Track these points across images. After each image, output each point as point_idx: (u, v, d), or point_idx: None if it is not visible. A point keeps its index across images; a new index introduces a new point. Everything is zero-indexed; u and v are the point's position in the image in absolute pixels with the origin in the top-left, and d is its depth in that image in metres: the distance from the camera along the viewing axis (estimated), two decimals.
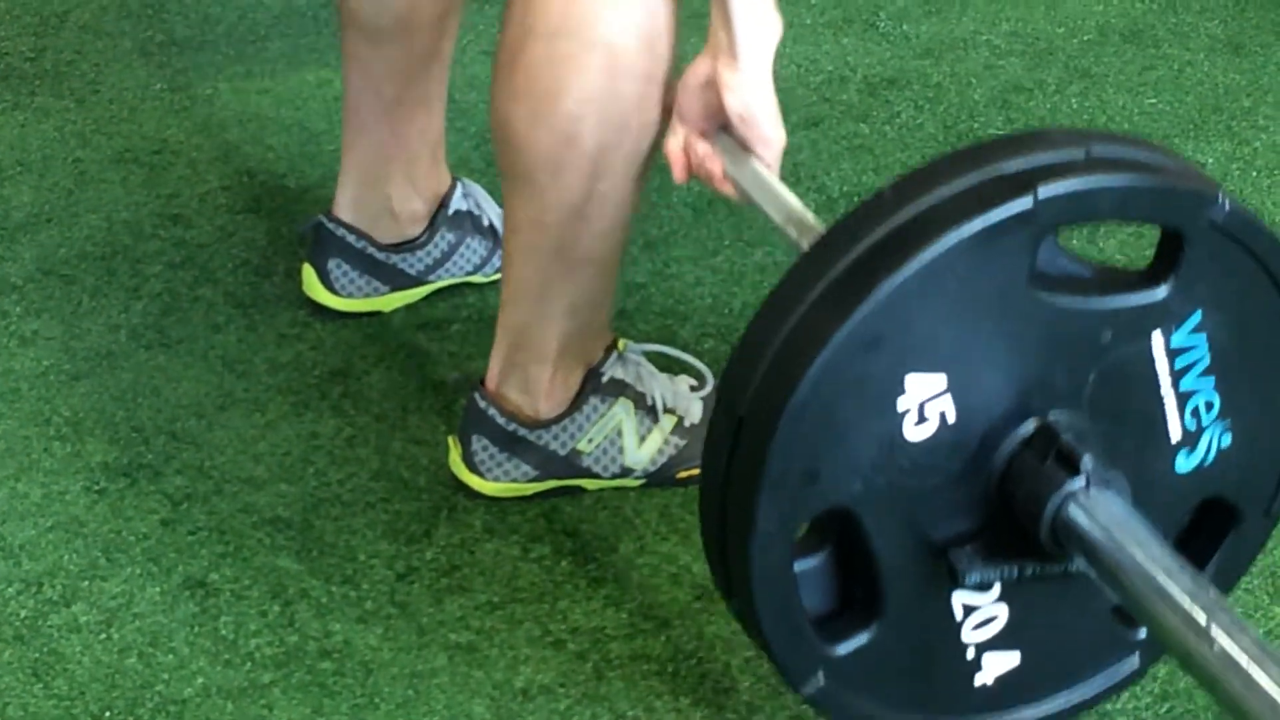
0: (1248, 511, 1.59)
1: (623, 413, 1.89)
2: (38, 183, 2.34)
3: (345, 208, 2.10)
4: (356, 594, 1.80)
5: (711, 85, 1.63)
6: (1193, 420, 1.51)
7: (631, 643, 1.75)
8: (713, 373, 1.95)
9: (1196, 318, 1.48)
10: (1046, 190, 1.38)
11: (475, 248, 2.15)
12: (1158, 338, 1.47)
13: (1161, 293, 1.46)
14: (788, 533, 1.46)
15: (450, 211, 2.13)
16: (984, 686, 1.57)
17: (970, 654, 1.55)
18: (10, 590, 1.79)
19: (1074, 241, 2.19)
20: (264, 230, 2.27)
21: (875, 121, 2.51)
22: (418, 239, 2.12)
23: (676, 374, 1.96)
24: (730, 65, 1.62)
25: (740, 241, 2.27)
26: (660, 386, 1.91)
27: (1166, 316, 1.47)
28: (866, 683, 1.53)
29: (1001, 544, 1.49)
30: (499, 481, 1.89)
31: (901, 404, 1.42)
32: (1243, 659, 1.33)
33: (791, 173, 2.18)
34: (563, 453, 1.88)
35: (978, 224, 1.38)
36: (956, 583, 1.49)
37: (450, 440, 1.91)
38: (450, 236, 2.13)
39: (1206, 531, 1.59)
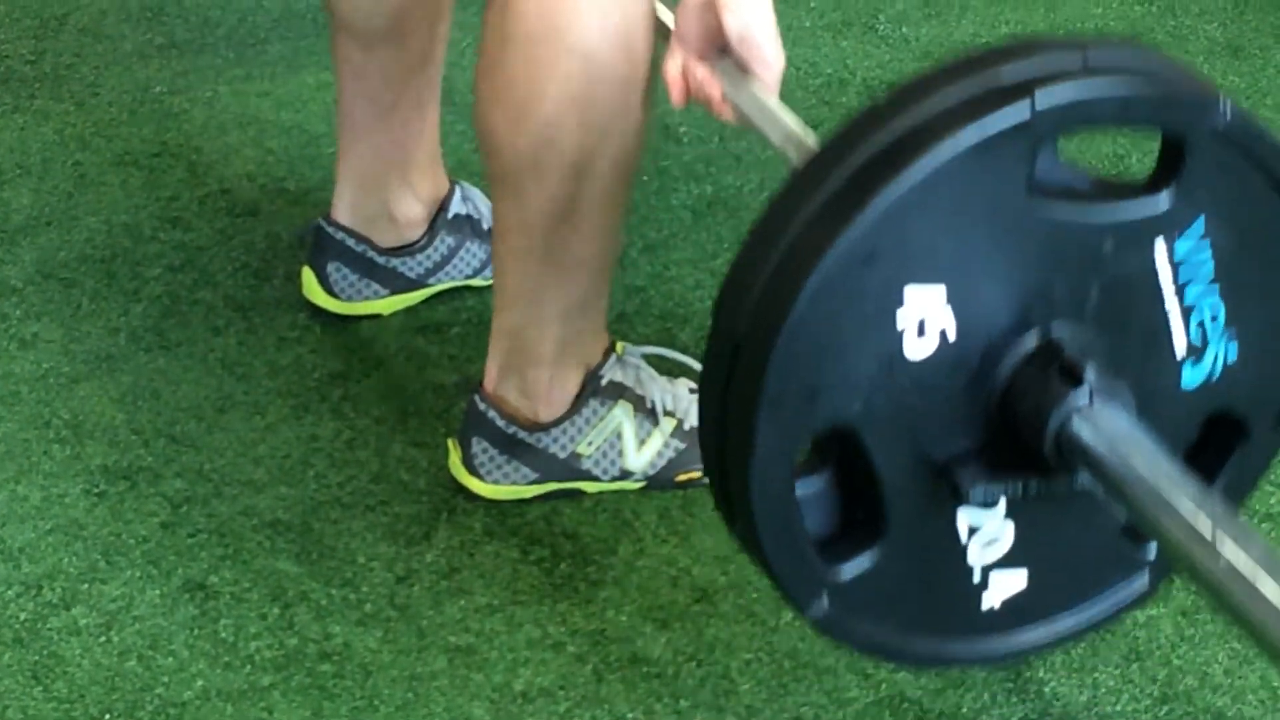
0: (1256, 424, 1.55)
1: (622, 415, 1.89)
2: (37, 185, 2.34)
3: (344, 212, 2.10)
4: (356, 596, 1.80)
5: (710, 6, 1.60)
6: (1198, 333, 1.48)
7: (631, 645, 1.75)
8: None
9: (1200, 226, 1.44)
10: (1044, 98, 1.35)
11: (475, 251, 2.15)
12: (1161, 248, 1.44)
13: (1163, 201, 1.43)
14: (788, 454, 1.43)
15: (449, 215, 2.13)
16: (992, 607, 1.54)
17: (977, 575, 1.52)
18: (10, 593, 1.79)
19: None
20: (263, 233, 2.27)
21: None
22: (417, 242, 2.12)
23: (676, 377, 1.96)
24: None
25: (740, 244, 2.26)
26: (660, 389, 1.91)
27: (1169, 225, 1.44)
28: (872, 606, 1.50)
29: (1005, 460, 1.46)
30: (499, 484, 1.89)
31: (901, 318, 1.39)
32: (1251, 569, 1.30)
33: None
34: (562, 455, 1.88)
35: (974, 134, 1.35)
36: (960, 500, 1.46)
37: (450, 443, 1.91)
38: (449, 240, 2.13)
39: (1214, 447, 1.55)
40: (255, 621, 1.77)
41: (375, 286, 2.12)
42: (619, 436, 1.89)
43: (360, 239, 2.10)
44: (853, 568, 1.48)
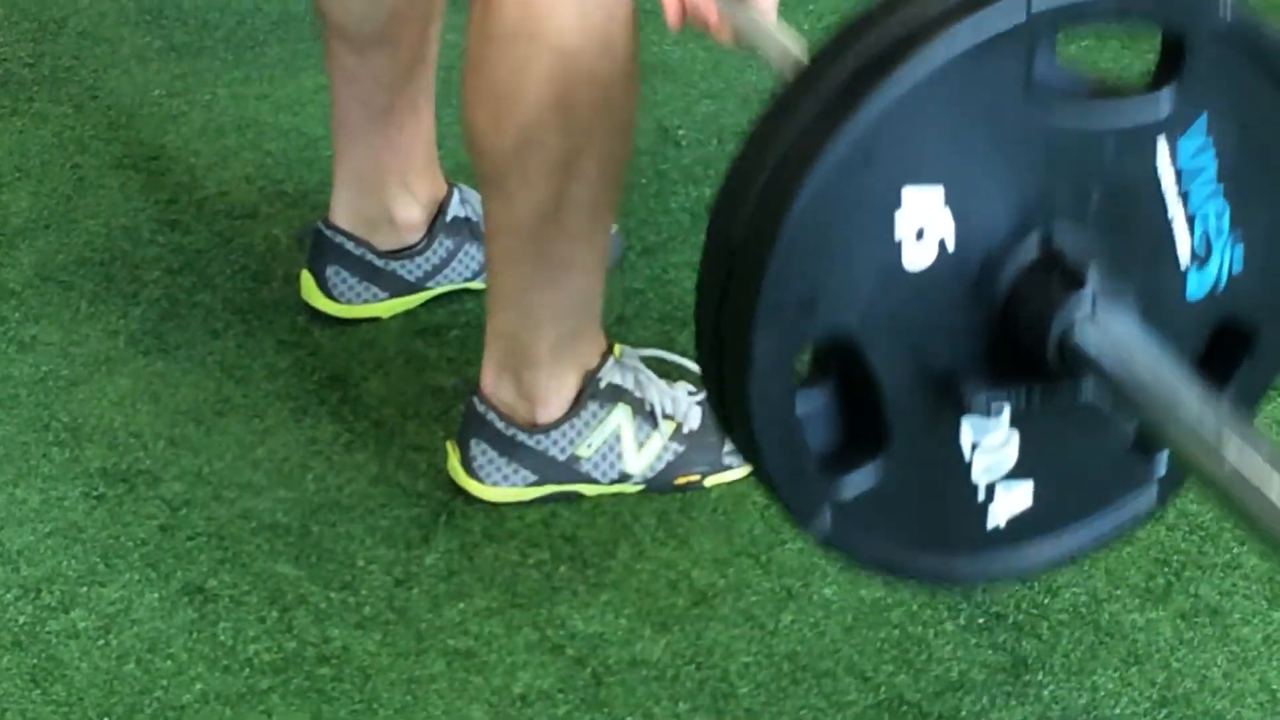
0: (1264, 330, 1.53)
1: (621, 418, 1.89)
2: (36, 189, 2.34)
3: (342, 215, 2.10)
4: (355, 599, 1.80)
5: None
6: (1202, 241, 1.46)
7: (630, 648, 1.75)
8: None
9: (1202, 125, 1.42)
10: None
11: (473, 254, 2.15)
12: (1163, 149, 1.42)
13: (1164, 100, 1.40)
14: (787, 365, 1.40)
15: (448, 218, 2.13)
16: (997, 522, 1.51)
17: (982, 490, 1.49)
18: (9, 596, 1.79)
19: None
20: (262, 236, 2.27)
21: None
22: (416, 245, 2.12)
23: (675, 380, 1.96)
24: None
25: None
26: (659, 392, 1.91)
27: (1171, 126, 1.41)
28: (876, 522, 1.47)
29: (1008, 369, 1.43)
30: (498, 487, 1.89)
31: (899, 223, 1.36)
32: (1259, 472, 1.28)
33: None
34: (562, 458, 1.88)
35: (969, 34, 1.32)
36: (963, 410, 1.43)
37: (449, 445, 1.91)
38: (448, 243, 2.13)
39: (1221, 358, 1.53)
40: (254, 624, 1.77)
41: (374, 289, 2.12)
42: (618, 439, 1.89)
43: (359, 242, 2.10)
44: (855, 483, 1.45)
